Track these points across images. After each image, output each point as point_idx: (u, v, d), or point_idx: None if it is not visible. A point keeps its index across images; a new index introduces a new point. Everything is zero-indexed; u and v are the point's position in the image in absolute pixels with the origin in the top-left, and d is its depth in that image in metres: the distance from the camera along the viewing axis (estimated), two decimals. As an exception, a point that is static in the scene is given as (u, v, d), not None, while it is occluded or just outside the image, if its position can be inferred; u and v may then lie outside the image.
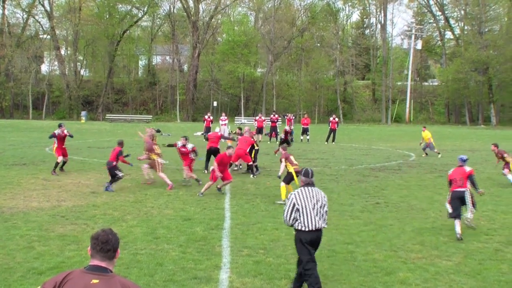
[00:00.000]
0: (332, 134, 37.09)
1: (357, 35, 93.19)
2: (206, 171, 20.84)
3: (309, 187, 7.80)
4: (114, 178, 16.59)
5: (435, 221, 12.78)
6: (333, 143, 36.21)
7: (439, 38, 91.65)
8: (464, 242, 10.82)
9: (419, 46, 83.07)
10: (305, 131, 38.05)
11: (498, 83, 77.01)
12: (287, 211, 7.68)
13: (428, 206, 14.77)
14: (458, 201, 11.70)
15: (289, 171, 15.11)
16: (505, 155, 19.28)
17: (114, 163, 16.66)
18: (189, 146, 17.77)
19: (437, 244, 10.74)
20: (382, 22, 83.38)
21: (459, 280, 8.52)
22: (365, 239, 11.02)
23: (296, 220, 7.64)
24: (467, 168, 12.11)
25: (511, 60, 73.15)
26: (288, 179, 15.06)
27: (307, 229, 7.57)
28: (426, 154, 28.57)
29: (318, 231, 7.67)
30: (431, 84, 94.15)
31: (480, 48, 75.23)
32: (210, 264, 9.22)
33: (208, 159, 21.38)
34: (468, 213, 11.88)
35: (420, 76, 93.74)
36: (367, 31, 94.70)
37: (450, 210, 11.66)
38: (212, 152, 20.77)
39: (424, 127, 30.26)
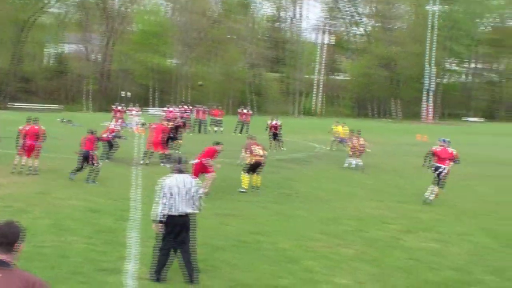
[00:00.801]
0: (245, 126, 37.46)
1: (269, 28, 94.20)
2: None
3: (180, 174, 8.31)
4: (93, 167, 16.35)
5: (340, 212, 13.32)
6: (247, 135, 36.52)
7: (349, 34, 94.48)
8: (365, 231, 11.39)
9: (329, 41, 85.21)
10: (217, 123, 38.28)
11: (403, 79, 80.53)
12: (160, 197, 8.15)
13: (334, 197, 15.35)
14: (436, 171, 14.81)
15: (248, 162, 16.04)
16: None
17: (91, 151, 16.43)
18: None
19: (340, 233, 11.22)
20: (294, 16, 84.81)
21: (359, 267, 8.98)
22: (273, 229, 11.33)
23: (166, 206, 8.08)
24: (450, 150, 15.04)
25: (415, 57, 76.63)
26: (248, 168, 15.87)
27: (175, 213, 8.05)
28: (334, 148, 28.92)
29: (186, 216, 8.15)
30: (340, 78, 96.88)
31: (387, 44, 78.32)
32: (118, 255, 9.21)
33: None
34: (434, 187, 14.82)
35: (330, 70, 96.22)
36: (279, 24, 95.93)
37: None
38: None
39: (344, 123, 30.37)
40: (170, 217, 8.07)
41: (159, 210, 8.14)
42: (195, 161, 14.79)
